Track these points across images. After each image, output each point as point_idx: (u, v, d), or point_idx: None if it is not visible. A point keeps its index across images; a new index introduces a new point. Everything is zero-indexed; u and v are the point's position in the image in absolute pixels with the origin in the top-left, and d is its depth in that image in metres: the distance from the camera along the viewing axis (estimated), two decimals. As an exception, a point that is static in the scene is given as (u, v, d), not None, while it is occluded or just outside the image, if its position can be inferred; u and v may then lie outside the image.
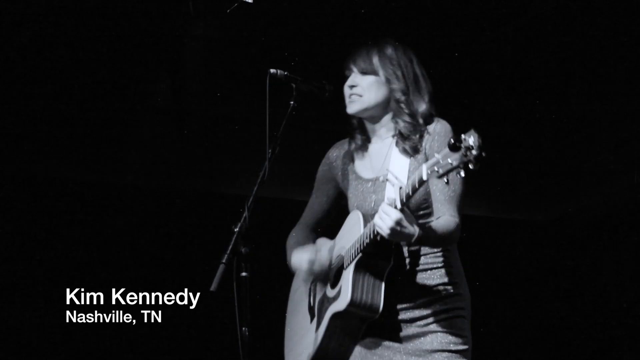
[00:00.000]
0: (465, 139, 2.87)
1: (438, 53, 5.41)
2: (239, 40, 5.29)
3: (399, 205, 3.17)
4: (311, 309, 3.65)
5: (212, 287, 3.10)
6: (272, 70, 3.42)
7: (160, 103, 5.67)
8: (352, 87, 3.56)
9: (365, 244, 3.33)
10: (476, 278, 6.45)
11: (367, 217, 3.43)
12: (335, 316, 3.41)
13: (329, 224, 3.82)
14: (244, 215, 3.24)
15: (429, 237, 3.29)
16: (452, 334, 3.40)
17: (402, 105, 3.54)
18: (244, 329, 3.11)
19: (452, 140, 2.87)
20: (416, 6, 5.12)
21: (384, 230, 3.18)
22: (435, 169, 2.98)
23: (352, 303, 3.32)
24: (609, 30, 5.25)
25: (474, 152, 2.84)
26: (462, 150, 2.86)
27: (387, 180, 3.31)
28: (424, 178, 3.04)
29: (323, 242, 3.70)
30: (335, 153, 3.77)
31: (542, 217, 7.01)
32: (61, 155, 5.67)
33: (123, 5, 4.95)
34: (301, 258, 3.60)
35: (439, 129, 3.50)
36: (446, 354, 3.37)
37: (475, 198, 6.65)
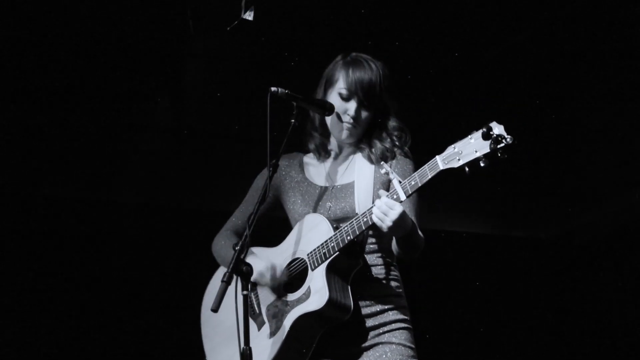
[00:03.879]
0: (494, 128, 2.90)
1: (438, 69, 5.43)
2: (239, 58, 5.30)
3: (402, 197, 3.18)
4: (256, 317, 3.55)
5: (213, 307, 3.08)
6: (273, 89, 3.42)
7: (160, 121, 5.67)
8: (355, 118, 3.56)
9: (347, 241, 3.32)
10: (478, 294, 6.53)
11: (331, 220, 3.42)
12: (304, 317, 3.35)
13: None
14: (245, 233, 3.23)
15: (413, 235, 3.32)
16: (405, 346, 3.42)
17: (395, 137, 3.57)
18: (245, 347, 3.09)
19: (484, 129, 2.91)
20: (415, 23, 5.13)
21: (386, 223, 3.18)
22: (457, 158, 3.00)
23: (329, 301, 3.29)
24: (611, 50, 5.27)
25: (508, 140, 2.87)
26: (493, 139, 2.89)
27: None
28: (441, 167, 3.06)
29: (260, 251, 3.62)
30: (286, 162, 3.74)
31: (544, 235, 7.00)
32: (61, 173, 5.67)
33: (123, 24, 4.95)
34: (260, 271, 3.49)
35: (409, 156, 3.55)
36: None
37: (477, 215, 6.65)
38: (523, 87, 5.63)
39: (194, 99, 5.57)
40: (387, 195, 3.21)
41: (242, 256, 3.16)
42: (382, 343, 3.41)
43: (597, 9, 5.02)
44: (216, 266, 3.77)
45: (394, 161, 3.53)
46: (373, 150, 3.56)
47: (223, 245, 3.72)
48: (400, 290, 3.52)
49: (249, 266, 3.17)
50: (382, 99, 3.55)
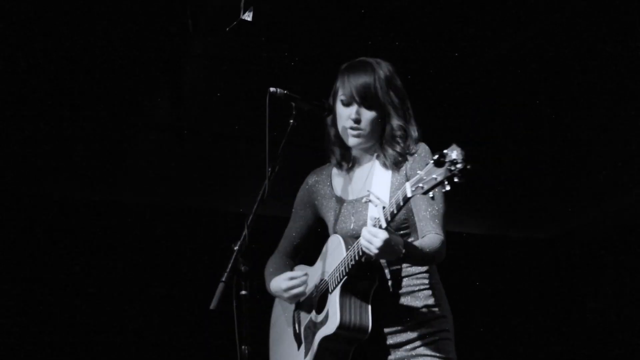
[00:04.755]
0: (448, 154, 2.91)
1: (438, 71, 5.43)
2: (239, 58, 5.30)
3: (384, 224, 3.18)
4: (297, 336, 3.63)
5: (212, 306, 3.10)
6: (271, 89, 3.42)
7: (160, 120, 5.67)
8: (358, 120, 3.57)
9: (350, 266, 3.34)
10: (477, 295, 6.53)
11: (348, 240, 3.45)
12: (325, 340, 3.40)
13: (307, 251, 3.83)
14: (244, 233, 3.24)
15: (415, 254, 3.31)
16: (440, 358, 3.42)
17: (399, 139, 3.56)
18: (243, 347, 3.11)
19: (436, 156, 2.93)
20: (414, 24, 5.13)
21: (372, 251, 3.19)
22: (421, 185, 3.02)
23: (341, 325, 3.32)
24: (612, 50, 5.27)
25: (459, 165, 2.89)
26: (447, 165, 2.91)
27: (369, 200, 3.28)
28: (409, 195, 3.08)
29: (301, 270, 3.71)
30: (315, 178, 3.79)
31: (543, 235, 7.00)
32: (61, 173, 5.67)
33: (123, 24, 4.95)
34: (278, 286, 3.62)
35: (419, 150, 3.54)
36: None
37: (476, 216, 6.65)
38: (523, 87, 5.62)
39: (194, 98, 5.57)
40: (374, 224, 3.21)
41: (240, 255, 3.17)
42: (415, 355, 3.41)
43: (598, 9, 5.02)
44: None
45: (408, 163, 3.53)
46: (387, 156, 3.57)
47: (269, 265, 3.82)
48: (433, 300, 3.49)
49: (248, 265, 3.19)
50: (381, 98, 3.54)
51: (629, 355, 6.46)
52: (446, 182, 2.94)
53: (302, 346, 3.56)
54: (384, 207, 3.20)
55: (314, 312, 3.55)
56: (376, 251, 3.18)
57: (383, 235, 3.17)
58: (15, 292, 5.50)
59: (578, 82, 5.59)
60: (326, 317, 3.42)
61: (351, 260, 3.34)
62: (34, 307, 5.53)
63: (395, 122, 3.56)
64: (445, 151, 2.93)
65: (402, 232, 3.46)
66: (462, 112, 5.70)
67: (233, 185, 5.72)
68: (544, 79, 5.58)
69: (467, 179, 2.91)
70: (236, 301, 3.14)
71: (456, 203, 6.07)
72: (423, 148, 3.55)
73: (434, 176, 2.97)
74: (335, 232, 3.58)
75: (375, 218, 3.22)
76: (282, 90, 3.44)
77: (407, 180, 3.42)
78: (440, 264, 3.46)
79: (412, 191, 3.06)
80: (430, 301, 3.48)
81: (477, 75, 5.54)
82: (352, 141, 3.59)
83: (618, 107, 5.73)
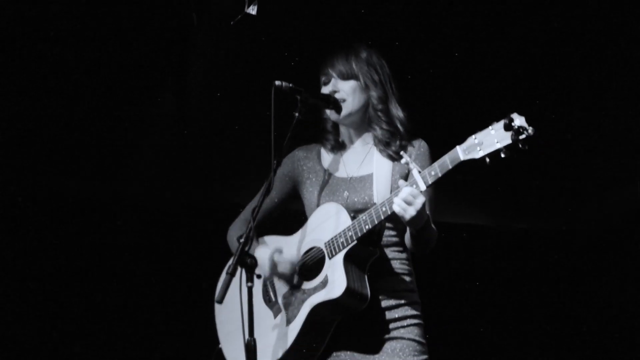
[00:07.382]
0: (514, 119, 2.93)
1: (444, 64, 5.43)
2: (243, 52, 5.30)
3: (422, 187, 3.20)
4: (273, 305, 3.59)
5: (217, 298, 3.11)
6: (277, 82, 3.44)
7: (165, 114, 5.67)
8: (334, 92, 3.60)
9: (365, 230, 3.34)
10: (481, 286, 6.53)
11: (349, 210, 3.44)
12: (322, 305, 3.38)
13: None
14: (250, 225, 3.25)
15: (430, 229, 3.37)
16: (417, 342, 3.48)
17: (380, 113, 3.59)
18: (249, 338, 3.13)
19: (505, 120, 2.93)
20: (417, 18, 5.14)
21: (409, 212, 3.20)
22: (478, 149, 3.03)
23: (348, 290, 3.32)
24: (612, 42, 5.27)
25: (529, 131, 2.91)
26: (514, 130, 2.92)
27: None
28: (461, 158, 3.09)
29: (274, 240, 3.68)
30: (303, 153, 3.79)
31: (547, 226, 6.99)
32: (66, 165, 5.67)
33: (128, 19, 4.97)
34: (268, 256, 3.55)
35: (421, 145, 3.58)
36: None
37: (480, 207, 6.65)
38: (526, 79, 5.62)
39: (198, 91, 5.57)
40: (407, 185, 3.24)
41: (246, 248, 3.18)
42: (395, 338, 3.45)
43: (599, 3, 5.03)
44: (227, 256, 3.78)
45: (411, 156, 3.55)
46: (380, 139, 3.60)
47: (234, 231, 3.78)
48: (413, 285, 3.56)
49: (254, 258, 3.20)
50: (355, 68, 3.59)
51: (633, 346, 6.46)
52: (507, 149, 2.97)
53: (282, 314, 3.52)
54: (419, 171, 3.22)
55: (300, 280, 3.52)
56: (414, 213, 3.20)
57: (423, 198, 3.21)
58: (19, 287, 5.50)
59: (580, 74, 5.59)
60: (324, 283, 3.40)
61: (366, 225, 3.34)
62: (37, 303, 5.53)
63: (374, 93, 3.59)
64: (512, 116, 2.94)
65: (394, 224, 3.50)
66: (466, 107, 5.70)
67: (237, 179, 5.73)
68: (544, 71, 5.58)
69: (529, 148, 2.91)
70: (242, 293, 3.16)
71: (459, 194, 6.11)
72: (424, 145, 3.59)
73: (496, 141, 2.99)
74: (330, 201, 3.57)
75: (404, 183, 3.25)
76: (287, 84, 3.46)
77: (408, 173, 3.46)
78: (443, 255, 3.48)
79: (466, 155, 3.08)
80: (411, 286, 3.54)
81: (477, 69, 5.54)
82: (333, 115, 3.62)
83: (622, 98, 5.73)
